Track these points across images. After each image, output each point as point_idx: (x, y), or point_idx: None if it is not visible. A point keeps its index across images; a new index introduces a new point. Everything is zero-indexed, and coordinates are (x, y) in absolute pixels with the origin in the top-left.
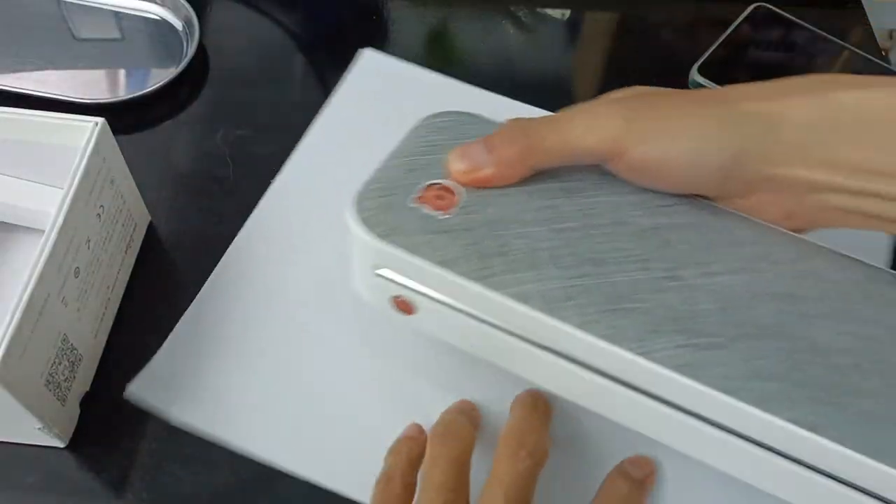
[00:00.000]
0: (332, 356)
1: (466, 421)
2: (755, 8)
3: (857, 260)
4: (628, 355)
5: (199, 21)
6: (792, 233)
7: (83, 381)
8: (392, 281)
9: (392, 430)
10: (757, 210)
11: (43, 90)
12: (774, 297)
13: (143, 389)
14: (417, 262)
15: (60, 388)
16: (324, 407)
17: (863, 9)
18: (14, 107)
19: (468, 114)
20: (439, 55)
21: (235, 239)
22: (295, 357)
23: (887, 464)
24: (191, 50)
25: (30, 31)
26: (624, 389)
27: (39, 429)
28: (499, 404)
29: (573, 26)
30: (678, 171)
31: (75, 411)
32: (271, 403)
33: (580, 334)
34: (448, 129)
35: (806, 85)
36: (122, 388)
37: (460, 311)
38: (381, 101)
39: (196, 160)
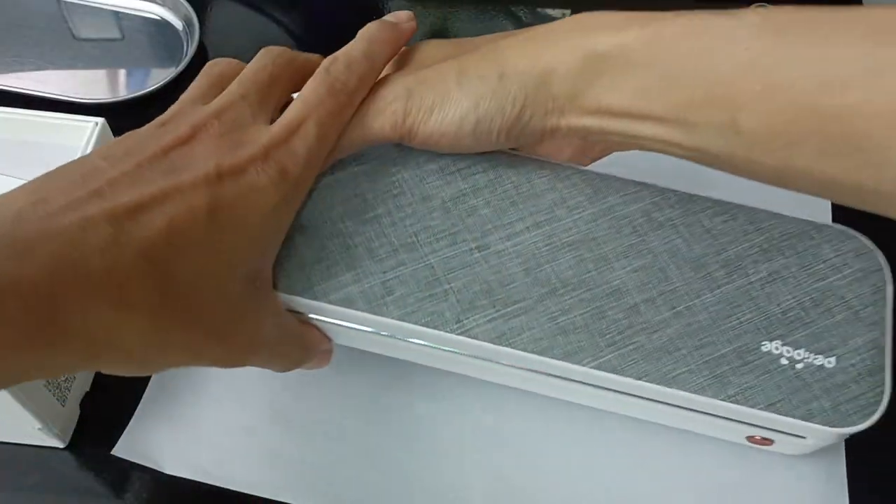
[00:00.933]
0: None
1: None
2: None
3: (646, 185)
4: (451, 336)
5: (199, 21)
6: (586, 169)
7: (83, 381)
8: None
9: (380, 446)
10: (553, 153)
11: (43, 90)
12: (573, 246)
13: (128, 451)
14: None
15: (60, 388)
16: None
17: None
18: (14, 107)
19: None
20: None
21: None
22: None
23: (678, 388)
24: (191, 50)
25: (30, 31)
26: (462, 357)
27: (39, 429)
28: (494, 411)
29: None
30: (465, 139)
31: (75, 411)
32: (254, 438)
33: (405, 325)
34: None
35: (567, 32)
36: (123, 389)
37: (300, 313)
38: None
39: None
